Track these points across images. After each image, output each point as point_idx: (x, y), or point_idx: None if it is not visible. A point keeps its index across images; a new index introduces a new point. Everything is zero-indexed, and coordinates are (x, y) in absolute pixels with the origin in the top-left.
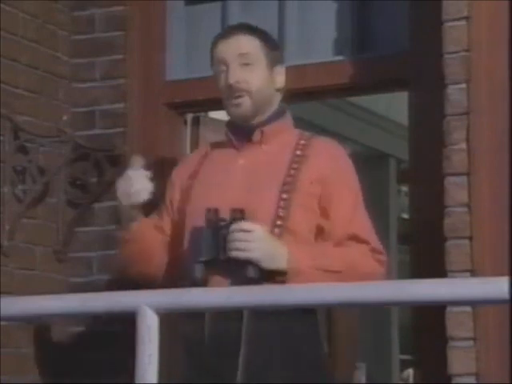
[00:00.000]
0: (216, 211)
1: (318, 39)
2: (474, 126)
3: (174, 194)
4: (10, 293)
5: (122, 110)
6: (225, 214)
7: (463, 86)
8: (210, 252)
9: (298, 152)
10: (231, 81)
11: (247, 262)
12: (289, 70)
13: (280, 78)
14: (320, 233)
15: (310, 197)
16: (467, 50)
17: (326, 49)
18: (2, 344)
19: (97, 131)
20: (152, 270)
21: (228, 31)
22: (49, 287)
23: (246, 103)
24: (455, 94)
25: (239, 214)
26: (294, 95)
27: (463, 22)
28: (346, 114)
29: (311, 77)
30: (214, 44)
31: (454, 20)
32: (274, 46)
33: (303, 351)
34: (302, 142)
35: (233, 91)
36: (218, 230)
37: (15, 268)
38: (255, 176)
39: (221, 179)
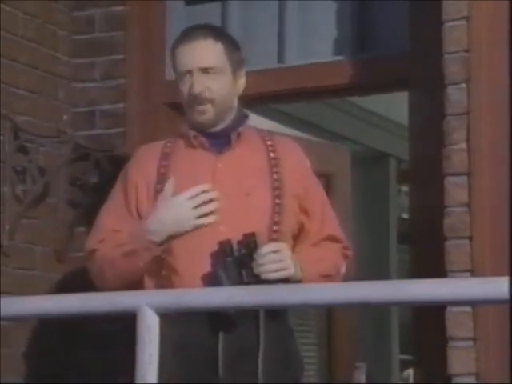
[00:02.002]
0: (229, 243)
1: (318, 39)
2: (474, 126)
3: (139, 195)
4: (9, 293)
5: (122, 110)
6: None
7: (463, 86)
8: (234, 281)
9: (272, 154)
10: (196, 91)
11: (276, 280)
12: (289, 70)
13: (242, 81)
14: (301, 229)
15: (294, 199)
16: (467, 50)
17: (326, 49)
18: (2, 344)
19: (97, 131)
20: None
21: (190, 35)
22: (49, 287)
23: (209, 111)
24: (455, 94)
25: (253, 238)
26: (295, 95)
27: (463, 22)
28: (346, 114)
29: (311, 77)
30: (176, 48)
31: (454, 20)
32: (236, 47)
33: (282, 352)
34: (269, 142)
35: (196, 100)
36: (238, 258)
37: (15, 268)
38: (239, 180)
39: (201, 183)
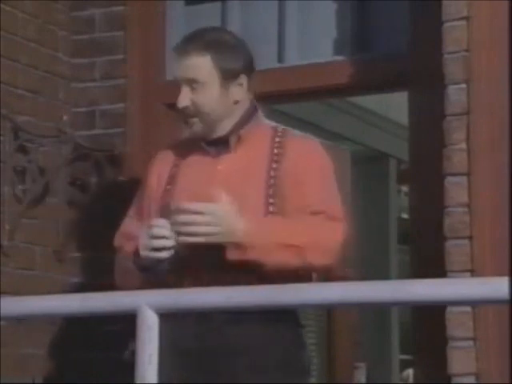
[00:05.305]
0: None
1: (318, 39)
2: (474, 126)
3: (150, 200)
4: (9, 293)
5: (122, 110)
6: None
7: (463, 86)
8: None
9: (275, 150)
10: (180, 105)
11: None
12: (289, 70)
13: (237, 90)
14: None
15: (286, 200)
16: (467, 50)
17: (325, 49)
18: (2, 344)
19: (97, 131)
20: None
21: (181, 47)
22: (49, 287)
23: (196, 125)
24: (455, 94)
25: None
26: (295, 95)
27: (463, 22)
28: (346, 114)
29: (311, 77)
30: (174, 55)
31: (454, 20)
32: (231, 56)
33: (291, 353)
34: (277, 139)
35: (182, 114)
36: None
37: (15, 268)
38: (237, 181)
39: (201, 186)
